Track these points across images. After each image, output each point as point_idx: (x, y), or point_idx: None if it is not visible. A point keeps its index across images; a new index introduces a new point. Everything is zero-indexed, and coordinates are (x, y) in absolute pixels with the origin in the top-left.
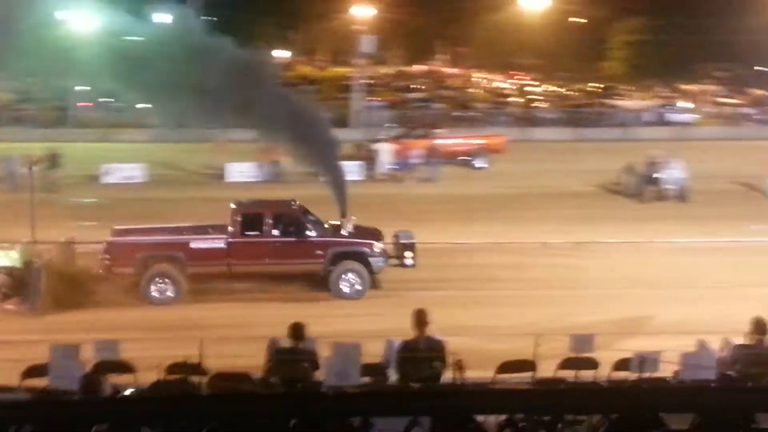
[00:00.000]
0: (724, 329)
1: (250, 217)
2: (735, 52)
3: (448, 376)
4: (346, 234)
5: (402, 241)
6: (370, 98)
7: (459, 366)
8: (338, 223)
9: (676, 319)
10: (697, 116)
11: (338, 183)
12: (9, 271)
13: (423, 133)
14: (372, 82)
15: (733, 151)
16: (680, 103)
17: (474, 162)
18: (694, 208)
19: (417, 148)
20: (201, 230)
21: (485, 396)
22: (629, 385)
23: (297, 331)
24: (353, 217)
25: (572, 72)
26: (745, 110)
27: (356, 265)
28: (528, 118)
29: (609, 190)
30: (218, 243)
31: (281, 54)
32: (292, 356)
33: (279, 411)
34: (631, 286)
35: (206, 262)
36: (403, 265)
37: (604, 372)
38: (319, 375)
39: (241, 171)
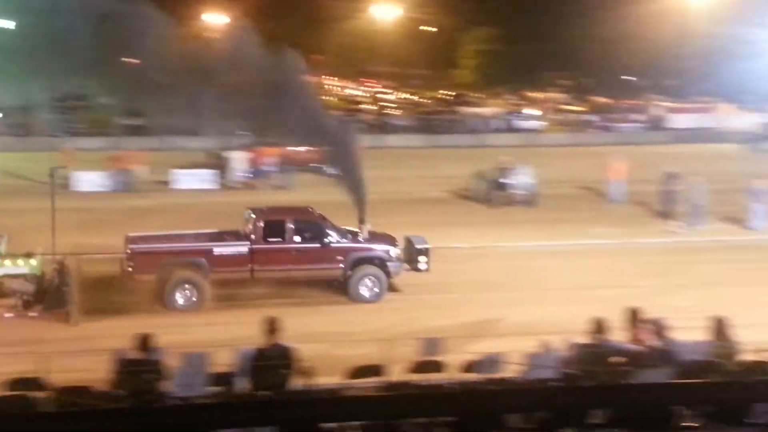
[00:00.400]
0: (568, 329)
1: (272, 224)
2: (578, 60)
3: (298, 383)
4: (363, 240)
5: (417, 246)
6: None
7: (306, 373)
8: (355, 229)
9: (523, 321)
10: (543, 123)
11: (357, 189)
12: (32, 278)
13: (276, 140)
14: None
15: (577, 157)
16: (527, 111)
17: (326, 169)
18: (542, 213)
19: (270, 156)
20: (218, 237)
21: (332, 403)
22: (474, 387)
23: (144, 342)
24: (369, 224)
25: (424, 80)
26: (588, 117)
27: (375, 270)
28: (381, 125)
29: (460, 195)
30: (241, 249)
31: None
32: (138, 367)
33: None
34: (481, 289)
35: (229, 268)
36: (417, 270)
37: (452, 374)
38: (168, 386)
39: (89, 180)
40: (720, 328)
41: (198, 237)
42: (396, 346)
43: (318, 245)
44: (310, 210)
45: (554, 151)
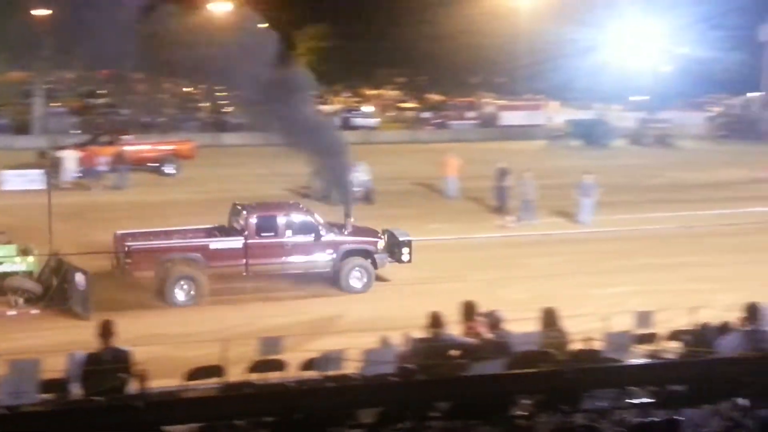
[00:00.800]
0: (407, 324)
1: (265, 219)
2: (412, 58)
3: (133, 387)
4: (350, 233)
5: (400, 239)
6: (53, 104)
7: (141, 376)
8: (339, 223)
9: (363, 317)
10: (379, 120)
11: (344, 185)
12: (37, 276)
13: (110, 139)
14: (53, 86)
15: (413, 154)
16: (364, 108)
17: (163, 168)
18: (379, 209)
19: (104, 155)
20: (212, 232)
21: (169, 406)
22: (313, 385)
23: None
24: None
25: None
26: (423, 114)
27: (363, 262)
28: (217, 123)
29: (299, 194)
30: (236, 244)
31: None
32: None
33: None
34: (320, 286)
35: (224, 263)
36: (400, 261)
37: (292, 373)
38: None
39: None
40: (550, 318)
41: (192, 233)
42: (236, 346)
43: (309, 239)
44: (299, 205)
45: (390, 148)
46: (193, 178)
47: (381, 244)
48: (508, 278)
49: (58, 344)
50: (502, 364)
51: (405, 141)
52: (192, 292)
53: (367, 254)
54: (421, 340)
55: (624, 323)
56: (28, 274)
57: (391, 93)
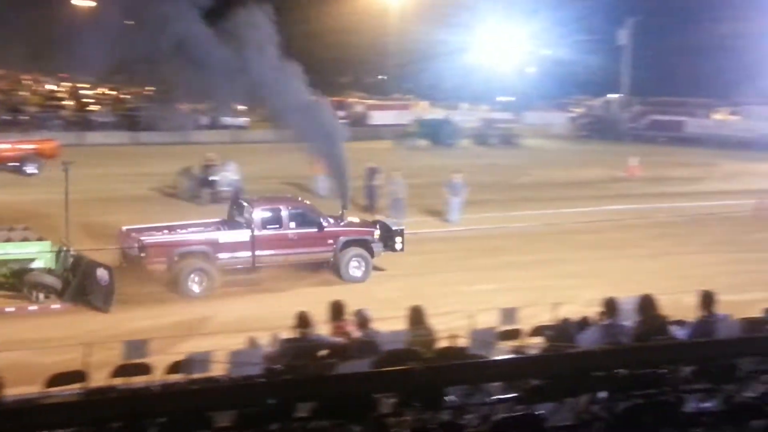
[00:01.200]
0: (276, 325)
1: (270, 212)
2: (282, 56)
3: None
4: (347, 223)
5: (393, 228)
6: None
7: None
8: (335, 214)
9: (233, 318)
10: (248, 120)
11: (341, 178)
12: (59, 272)
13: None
14: None
15: (283, 153)
16: (232, 107)
17: (24, 168)
18: None
19: None
20: (218, 226)
21: (22, 413)
22: (179, 387)
23: None
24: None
25: (128, 74)
26: None
27: (361, 251)
28: (82, 122)
29: (166, 193)
30: (243, 237)
31: None
32: None
33: None
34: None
35: (233, 254)
36: (393, 250)
37: (158, 376)
38: None
39: None
40: (417, 317)
41: (197, 227)
42: (100, 350)
43: (311, 230)
44: (299, 198)
45: (261, 148)
46: (55, 178)
47: (377, 234)
48: (378, 276)
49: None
50: (369, 363)
51: (275, 140)
52: (204, 284)
53: (364, 244)
54: (289, 340)
55: (489, 320)
56: (47, 269)
57: None
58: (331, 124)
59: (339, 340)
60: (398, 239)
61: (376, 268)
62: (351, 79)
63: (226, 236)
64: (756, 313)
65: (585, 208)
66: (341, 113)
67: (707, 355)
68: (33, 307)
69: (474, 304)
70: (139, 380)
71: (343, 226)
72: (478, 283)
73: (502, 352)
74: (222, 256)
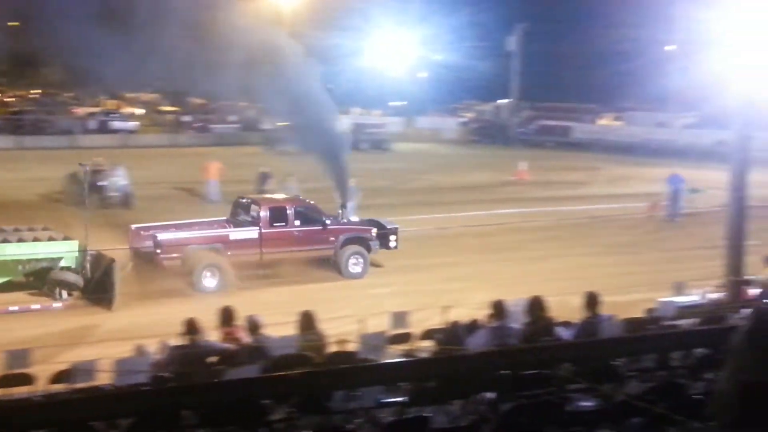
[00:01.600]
0: (166, 332)
1: (277, 210)
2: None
3: None
4: (346, 222)
5: (388, 227)
6: None
7: None
8: (332, 214)
9: (119, 326)
10: (138, 124)
11: (341, 177)
12: (78, 270)
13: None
14: None
15: (174, 158)
16: (123, 111)
17: None
18: (138, 214)
19: None
20: (226, 224)
21: None
22: (62, 397)
23: None
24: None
25: (8, 77)
26: (184, 118)
27: (359, 248)
28: None
29: (52, 199)
30: (252, 234)
31: None
32: None
33: None
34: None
35: (242, 251)
36: (388, 248)
37: (41, 386)
38: None
39: None
40: (308, 321)
41: (209, 224)
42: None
43: (314, 228)
44: (300, 197)
45: (151, 152)
46: None
47: (374, 232)
48: (268, 281)
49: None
50: (259, 368)
51: (165, 145)
52: (218, 279)
53: (362, 242)
54: (178, 347)
55: (380, 324)
56: (70, 268)
57: (151, 96)
58: (336, 130)
59: (229, 345)
60: (392, 237)
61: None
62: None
63: (236, 234)
64: (639, 313)
65: (476, 212)
66: (233, 118)
67: (589, 355)
68: (57, 305)
69: (366, 308)
70: (21, 390)
71: (343, 225)
72: (370, 287)
73: (392, 356)
74: (232, 252)
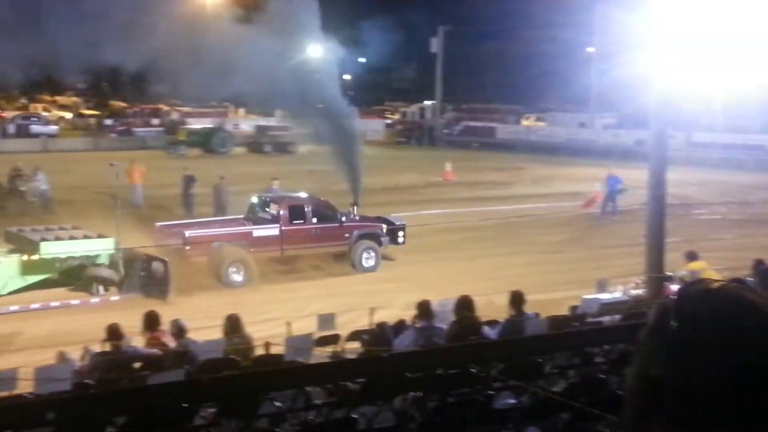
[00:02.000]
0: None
1: (295, 208)
2: (94, 64)
3: None
4: (358, 219)
5: (396, 224)
6: None
7: None
8: (345, 210)
9: (43, 333)
10: (58, 128)
11: (355, 176)
12: (113, 266)
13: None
14: None
15: (97, 162)
16: (43, 115)
17: None
18: (59, 219)
19: None
20: (241, 222)
21: None
22: None
23: None
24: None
25: None
26: (106, 122)
27: (372, 244)
28: None
29: None
30: (274, 231)
31: None
32: None
33: None
34: None
35: (265, 247)
36: (396, 243)
37: None
38: None
39: None
40: (233, 325)
41: (230, 222)
42: None
43: (330, 225)
44: (314, 196)
45: (71, 156)
46: None
47: (385, 228)
48: (198, 285)
49: None
50: (184, 372)
51: (87, 149)
52: (243, 274)
53: (375, 237)
54: (101, 353)
55: (308, 326)
56: (105, 264)
57: (72, 100)
58: (351, 132)
59: (154, 351)
60: (400, 233)
61: (188, 278)
62: (166, 87)
63: (258, 231)
64: (563, 310)
65: (403, 213)
66: (155, 121)
67: (515, 353)
68: (95, 300)
69: (294, 311)
70: None
71: (356, 222)
72: (298, 289)
73: (319, 358)
74: (255, 249)
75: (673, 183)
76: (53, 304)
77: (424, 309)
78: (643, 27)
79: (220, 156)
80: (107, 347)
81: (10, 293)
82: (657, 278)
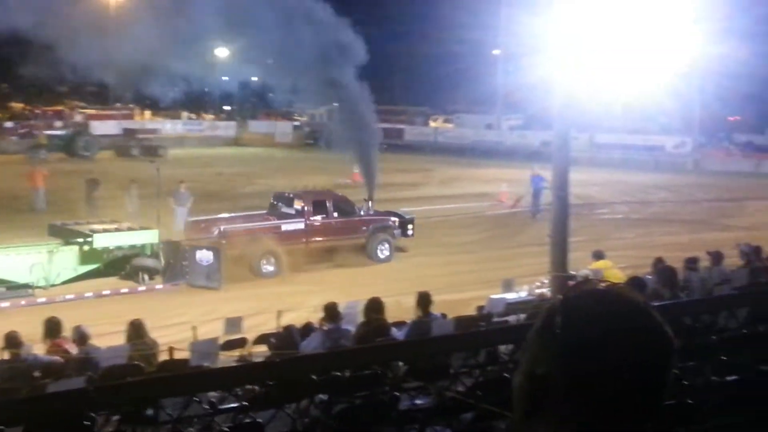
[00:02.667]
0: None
1: (318, 203)
2: None
3: None
4: (373, 212)
5: (405, 218)
6: None
7: None
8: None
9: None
10: None
11: (370, 172)
12: (156, 254)
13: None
14: None
15: None
16: None
17: None
18: None
19: None
20: (265, 217)
21: None
22: None
23: None
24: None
25: None
26: (6, 124)
27: (386, 236)
28: None
29: None
30: (299, 225)
31: None
32: None
33: None
34: None
35: (292, 241)
36: (406, 236)
37: None
38: None
39: None
40: (137, 331)
41: (256, 217)
42: None
43: (350, 218)
44: (334, 192)
45: None
46: None
47: (397, 221)
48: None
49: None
50: (87, 379)
51: None
52: (275, 266)
53: (389, 230)
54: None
55: (214, 330)
56: (149, 254)
57: None
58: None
59: (55, 358)
60: (410, 226)
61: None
62: (69, 88)
63: (286, 225)
64: (471, 310)
65: None
66: (59, 123)
67: (420, 353)
68: (142, 288)
69: (200, 314)
70: None
71: (371, 216)
72: (205, 292)
73: (225, 363)
74: (284, 242)
75: (577, 183)
76: (105, 292)
77: (331, 311)
78: (546, 29)
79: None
80: (6, 356)
81: (63, 283)
82: (561, 277)
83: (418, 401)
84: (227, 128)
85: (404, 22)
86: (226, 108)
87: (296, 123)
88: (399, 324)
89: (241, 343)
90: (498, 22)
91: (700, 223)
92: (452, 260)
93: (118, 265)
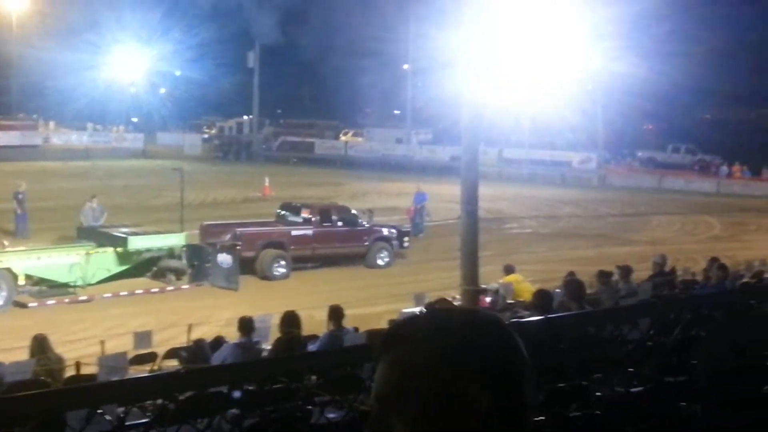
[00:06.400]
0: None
1: (325, 212)
2: None
3: None
4: (374, 223)
5: (401, 230)
6: None
7: None
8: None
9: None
10: None
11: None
12: (180, 256)
13: None
14: None
15: None
16: None
17: None
18: None
19: None
20: (273, 224)
21: None
22: None
23: None
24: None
25: None
26: None
27: (386, 245)
28: None
29: None
30: (308, 232)
31: None
32: None
33: None
34: None
35: (301, 246)
36: (402, 247)
37: None
38: None
39: None
40: (40, 345)
41: (271, 223)
42: None
43: (353, 228)
44: (338, 203)
45: None
46: None
47: (395, 232)
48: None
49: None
50: None
51: None
52: (284, 269)
53: (388, 240)
54: None
55: (123, 345)
56: (175, 256)
57: None
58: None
59: None
60: (405, 238)
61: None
62: None
63: (296, 231)
64: (383, 324)
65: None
66: None
67: (332, 365)
68: (170, 288)
69: (108, 329)
70: None
71: (372, 226)
72: (113, 306)
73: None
74: (293, 247)
75: (487, 198)
76: (137, 291)
77: (244, 325)
78: (455, 44)
79: None
80: None
81: (97, 282)
82: (472, 291)
83: (331, 414)
84: (135, 140)
85: (314, 36)
86: (134, 119)
87: (205, 135)
88: (311, 338)
89: (151, 357)
90: (408, 37)
91: (606, 237)
92: (362, 274)
93: (147, 267)
